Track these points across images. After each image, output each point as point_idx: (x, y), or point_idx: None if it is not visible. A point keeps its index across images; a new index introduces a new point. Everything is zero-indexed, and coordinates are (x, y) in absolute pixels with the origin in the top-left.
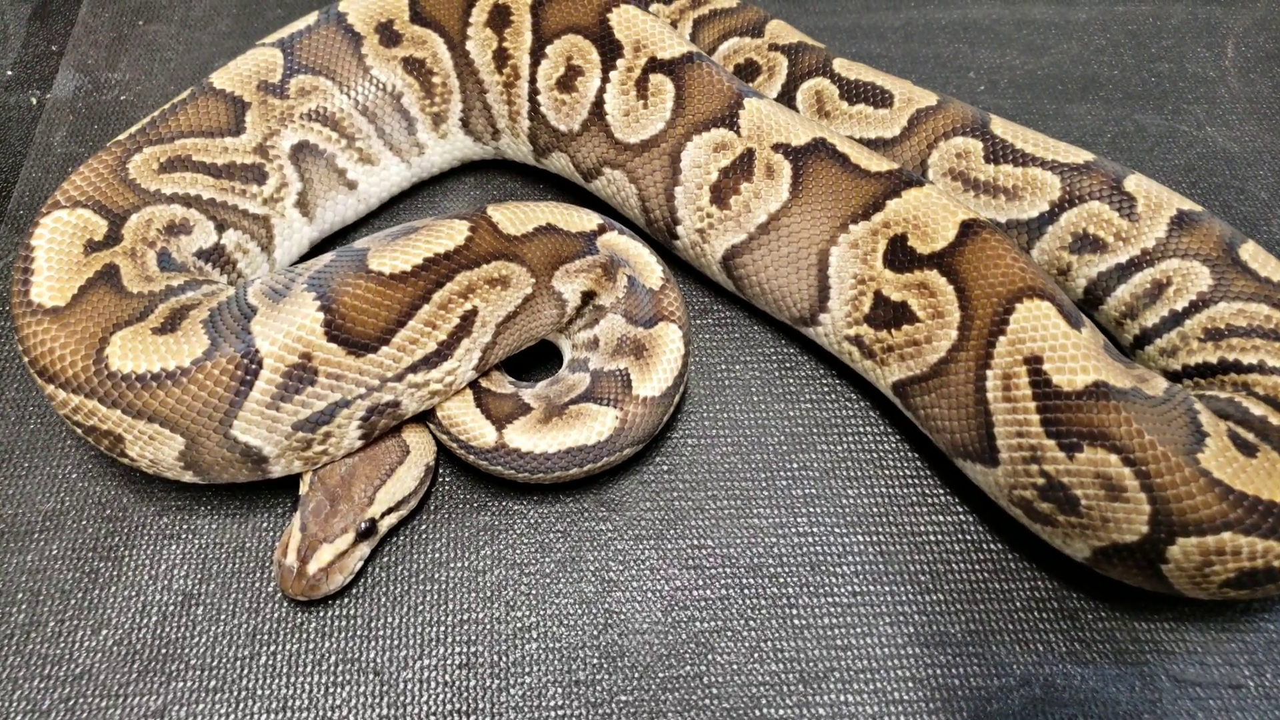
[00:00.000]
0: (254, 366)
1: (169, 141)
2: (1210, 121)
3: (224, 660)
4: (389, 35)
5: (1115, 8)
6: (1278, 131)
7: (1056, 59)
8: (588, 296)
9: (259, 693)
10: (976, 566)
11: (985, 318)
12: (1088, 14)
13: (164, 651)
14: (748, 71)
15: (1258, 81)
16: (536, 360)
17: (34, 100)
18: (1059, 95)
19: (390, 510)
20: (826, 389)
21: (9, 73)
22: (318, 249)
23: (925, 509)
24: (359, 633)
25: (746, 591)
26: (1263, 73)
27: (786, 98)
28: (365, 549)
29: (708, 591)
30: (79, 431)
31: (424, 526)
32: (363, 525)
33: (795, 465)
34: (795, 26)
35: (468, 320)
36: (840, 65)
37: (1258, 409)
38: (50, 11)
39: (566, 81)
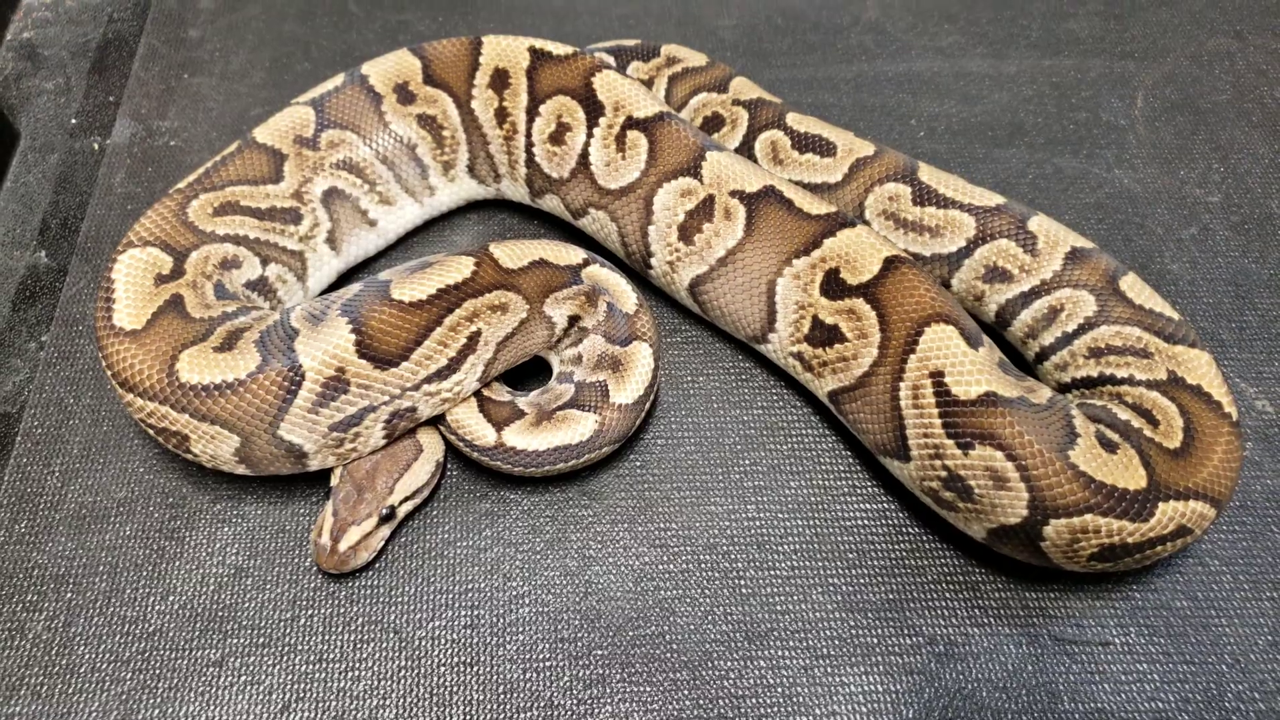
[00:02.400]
0: (298, 378)
1: (221, 189)
2: (1119, 164)
3: (270, 621)
4: (405, 94)
5: (1042, 61)
6: (1174, 174)
7: (989, 108)
8: (573, 319)
9: (299, 647)
10: (896, 546)
11: (900, 339)
12: (1018, 67)
13: (220, 614)
14: (714, 124)
15: (1162, 129)
16: (530, 373)
17: (96, 146)
18: (989, 140)
19: (407, 499)
20: (775, 397)
21: (73, 121)
22: (344, 278)
23: (854, 498)
24: (381, 599)
25: (703, 566)
26: (1166, 121)
27: (746, 147)
28: (386, 531)
29: (671, 566)
30: (151, 432)
31: (435, 512)
32: (384, 511)
33: (747, 461)
34: (759, 79)
35: (473, 340)
36: (792, 119)
37: (1124, 414)
38: (107, 66)
39: (557, 136)
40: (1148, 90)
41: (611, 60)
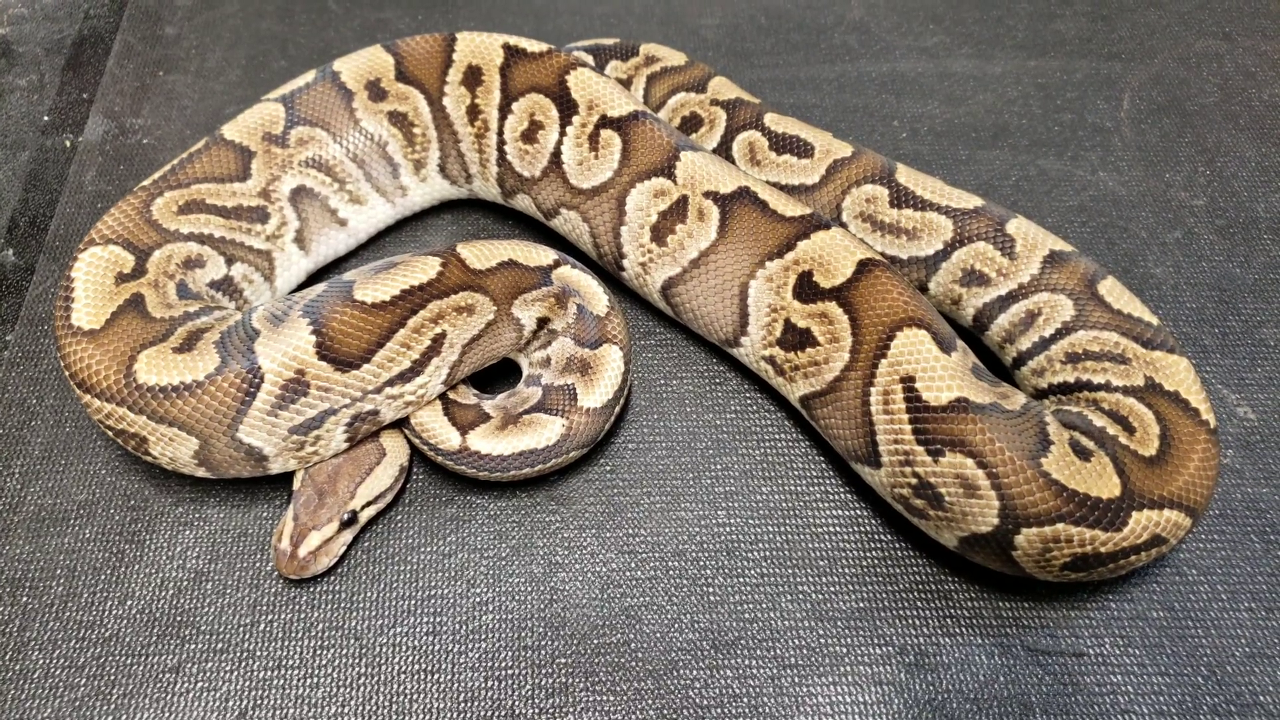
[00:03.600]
0: (257, 380)
1: (186, 186)
2: (1103, 167)
3: (229, 627)
4: (376, 91)
5: (1028, 62)
6: (1160, 177)
7: (972, 109)
8: (542, 322)
9: (258, 653)
10: (867, 554)
11: (872, 343)
12: (1003, 68)
13: (179, 619)
14: (692, 124)
15: (1148, 131)
16: (499, 376)
17: (68, 143)
18: (973, 142)
19: (369, 503)
20: (749, 401)
21: (45, 118)
22: (314, 278)
23: (827, 505)
24: (343, 605)
25: (671, 573)
26: (1153, 123)
27: (724, 147)
28: (348, 536)
29: (639, 573)
30: (110, 434)
31: (399, 517)
32: (345, 516)
33: (719, 466)
34: (740, 78)
35: (438, 342)
36: (770, 119)
37: (1099, 420)
38: (81, 62)
39: (529, 134)
40: (1134, 92)
41: (588, 59)
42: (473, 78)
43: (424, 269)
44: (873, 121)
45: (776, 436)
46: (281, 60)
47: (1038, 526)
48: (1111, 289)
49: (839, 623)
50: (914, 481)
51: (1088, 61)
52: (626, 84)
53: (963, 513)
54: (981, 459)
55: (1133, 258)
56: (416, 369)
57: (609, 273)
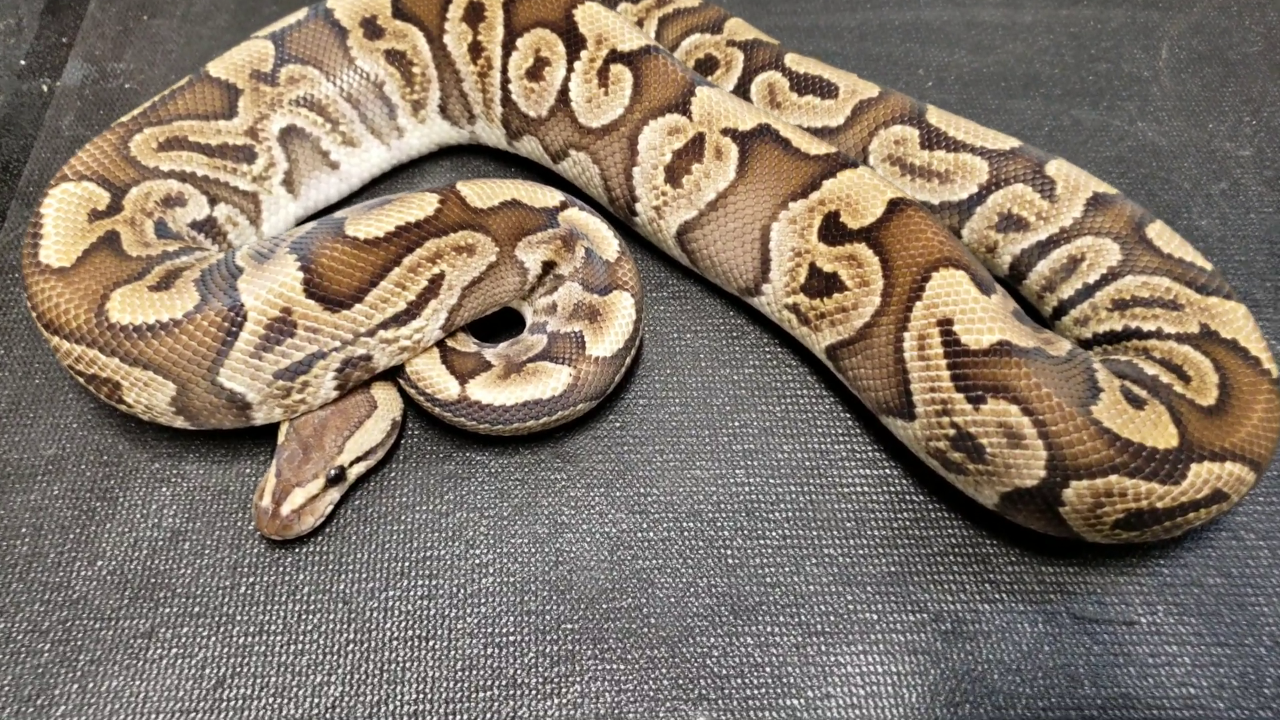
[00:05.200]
0: (239, 319)
1: (167, 123)
2: (1142, 117)
3: (207, 589)
4: (372, 29)
5: (1060, 11)
6: (1203, 127)
7: (1002, 58)
8: (548, 266)
9: (238, 618)
10: (898, 515)
11: (905, 285)
12: (1033, 16)
13: (153, 581)
14: (707, 66)
15: (1188, 81)
16: (501, 328)
17: (45, 88)
18: (1002, 92)
19: (359, 459)
20: (769, 355)
21: (22, 62)
22: (304, 224)
23: (854, 463)
24: (330, 567)
25: (686, 534)
26: (1193, 73)
27: (741, 90)
28: (335, 494)
29: (650, 534)
30: (81, 380)
31: (393, 474)
32: (332, 472)
33: (736, 424)
34: (756, 25)
35: (435, 283)
36: (791, 60)
37: (1151, 369)
38: (61, 6)
39: (535, 71)
40: (1173, 41)
41: None
42: (475, 13)
43: (421, 205)
44: (896, 70)
45: (799, 391)
46: (273, 5)
47: (1089, 479)
48: (1161, 232)
49: (869, 588)
50: (952, 433)
51: (1123, 10)
52: (638, 26)
53: (1006, 465)
54: (1027, 405)
55: (1176, 210)
56: (412, 312)
57: (621, 219)
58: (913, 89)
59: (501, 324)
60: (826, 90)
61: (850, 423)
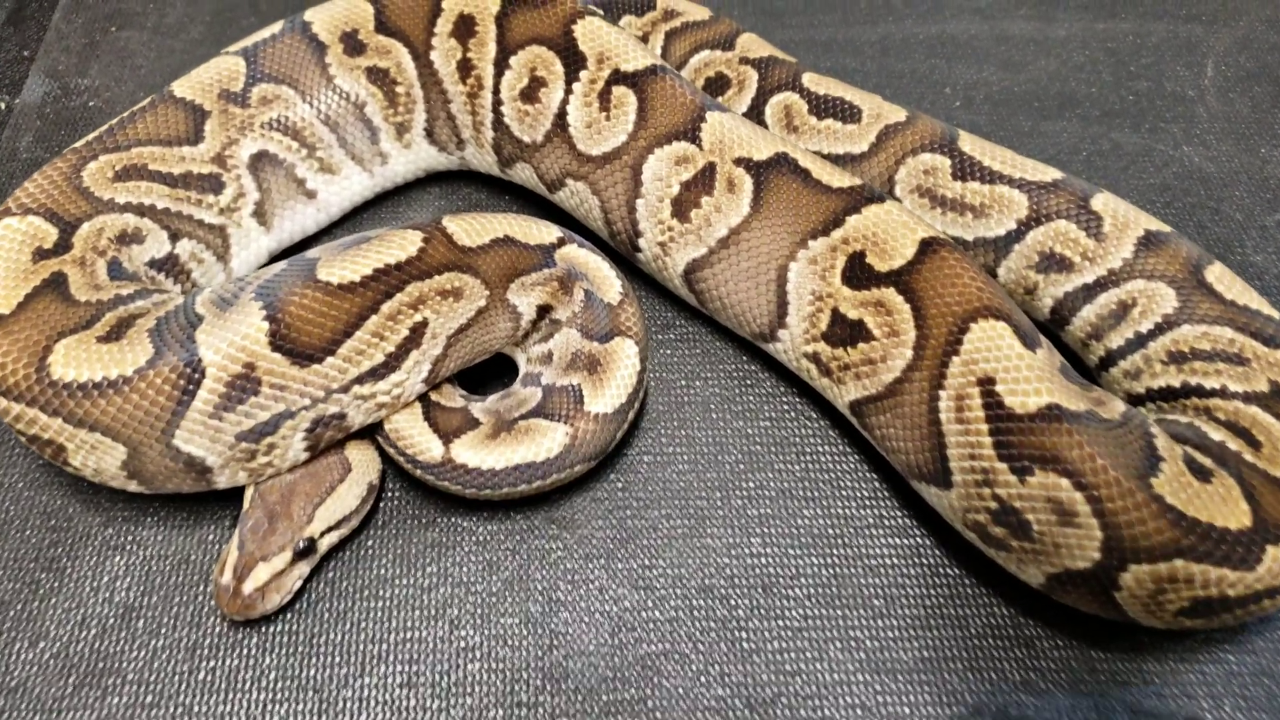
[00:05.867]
0: (196, 376)
1: (125, 149)
2: (1187, 141)
3: (162, 675)
4: (353, 44)
5: (1095, 25)
6: (1254, 152)
7: (1034, 75)
8: (543, 310)
9: (195, 710)
10: (932, 592)
11: (940, 337)
12: (1067, 30)
13: (101, 665)
14: (718, 85)
15: (1236, 101)
16: (491, 374)
17: (2, 105)
18: (1035, 112)
19: (330, 529)
20: (786, 407)
21: None
22: (279, 259)
23: (881, 531)
24: (300, 649)
25: (696, 614)
26: (1242, 92)
27: (755, 112)
28: (304, 568)
29: (657, 613)
30: (23, 440)
31: (370, 542)
32: (301, 544)
33: (751, 484)
34: (771, 40)
35: (417, 332)
36: (810, 80)
37: (1216, 434)
38: (24, 17)
39: (530, 92)
40: (1218, 58)
41: (599, 11)
42: (465, 28)
43: (402, 245)
44: (921, 89)
45: (820, 449)
46: (251, 17)
47: (1150, 563)
48: (1221, 276)
49: (900, 677)
50: (994, 506)
51: (1164, 24)
52: (643, 42)
53: (1055, 544)
54: (1080, 479)
55: (1227, 243)
56: (391, 364)
57: (622, 254)
58: (939, 109)
59: (490, 370)
60: (848, 113)
61: (877, 485)
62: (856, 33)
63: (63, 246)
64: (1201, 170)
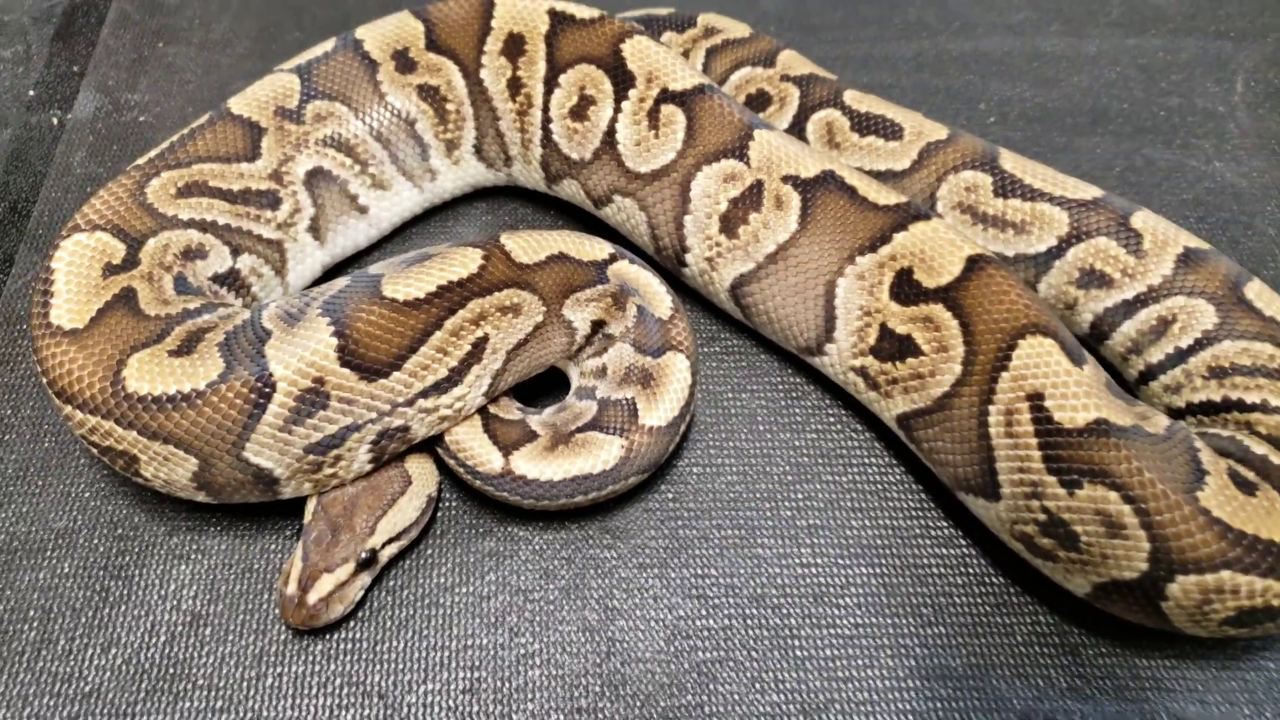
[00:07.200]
0: (267, 390)
1: (186, 166)
2: (1219, 156)
3: (230, 681)
4: (404, 62)
5: (1126, 41)
6: None
7: (1067, 91)
8: (597, 325)
9: (264, 714)
10: (978, 600)
11: (989, 353)
12: (1098, 47)
13: (171, 671)
14: (759, 102)
15: (1267, 117)
16: (545, 388)
17: (55, 120)
18: (1069, 128)
19: (391, 540)
20: (832, 419)
21: (31, 93)
22: (331, 273)
23: (928, 542)
24: (364, 656)
25: (749, 622)
26: (1272, 108)
27: (797, 128)
28: (366, 578)
29: (710, 621)
30: (95, 451)
31: (429, 552)
32: (363, 555)
33: (800, 495)
34: (808, 55)
35: (479, 347)
36: (851, 97)
37: (1259, 448)
38: (73, 33)
39: (579, 111)
40: (1248, 73)
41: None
42: (514, 47)
43: (463, 262)
44: (956, 104)
45: (866, 461)
46: (296, 31)
47: (1197, 574)
48: (1261, 293)
49: (949, 684)
50: (1042, 518)
51: (1194, 40)
52: (684, 58)
53: (1103, 555)
54: (1128, 492)
55: (1260, 258)
56: (454, 379)
57: (668, 269)
58: (974, 125)
59: (540, 384)
60: (890, 131)
61: (923, 496)
62: (892, 48)
63: (130, 262)
64: (1234, 186)
